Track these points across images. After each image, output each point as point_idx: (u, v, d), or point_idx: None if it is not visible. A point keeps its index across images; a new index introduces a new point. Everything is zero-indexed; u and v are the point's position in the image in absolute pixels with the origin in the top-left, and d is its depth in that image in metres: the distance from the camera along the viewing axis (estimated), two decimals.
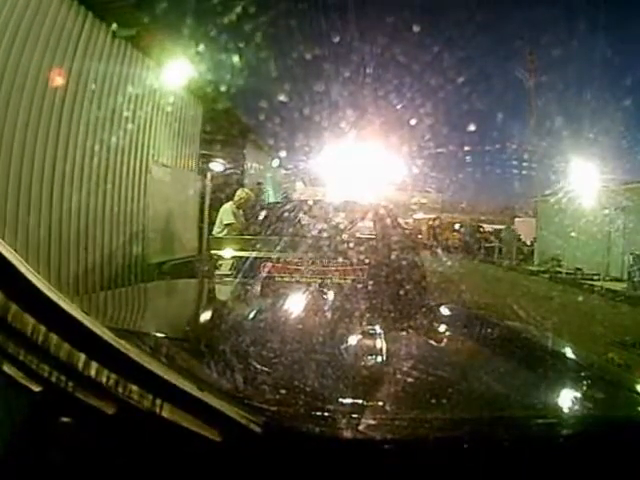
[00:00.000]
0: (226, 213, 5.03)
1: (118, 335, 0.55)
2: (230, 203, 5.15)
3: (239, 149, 9.99)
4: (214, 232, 5.10)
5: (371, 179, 10.44)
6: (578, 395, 0.96)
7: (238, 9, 5.62)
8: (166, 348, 0.95)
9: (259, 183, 9.84)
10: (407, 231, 4.56)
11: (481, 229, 18.11)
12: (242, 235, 4.56)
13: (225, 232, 4.87)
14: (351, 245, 3.70)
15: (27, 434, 0.59)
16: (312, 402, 0.76)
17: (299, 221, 4.38)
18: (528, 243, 16.09)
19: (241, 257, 3.86)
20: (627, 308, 6.75)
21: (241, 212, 5.12)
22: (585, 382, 1.04)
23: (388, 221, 4.35)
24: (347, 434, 0.66)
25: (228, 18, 5.63)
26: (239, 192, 5.29)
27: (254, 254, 3.79)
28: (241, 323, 1.32)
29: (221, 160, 8.69)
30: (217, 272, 3.91)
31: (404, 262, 3.73)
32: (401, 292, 3.20)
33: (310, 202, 4.84)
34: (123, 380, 0.53)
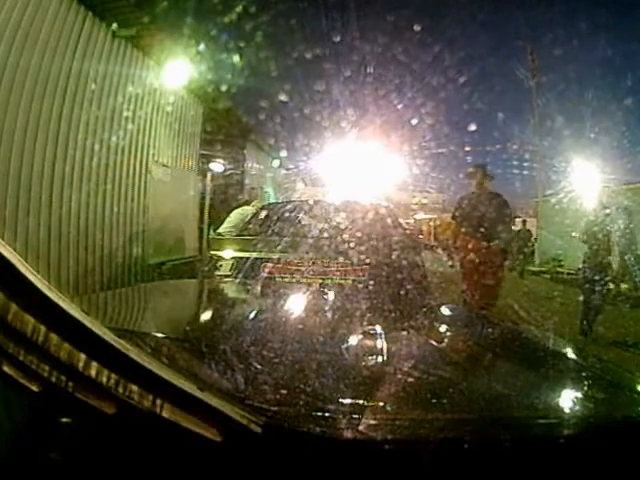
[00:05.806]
0: (242, 214, 5.22)
1: (118, 335, 0.55)
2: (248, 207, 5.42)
3: (239, 149, 9.97)
4: (222, 228, 5.20)
5: (372, 179, 10.41)
6: (578, 395, 0.95)
7: (238, 9, 5.62)
8: (166, 348, 0.95)
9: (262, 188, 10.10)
10: (408, 231, 4.54)
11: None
12: (242, 235, 4.57)
13: (233, 227, 5.00)
14: (352, 245, 3.69)
15: (27, 434, 0.59)
16: (312, 402, 0.75)
17: (299, 221, 4.38)
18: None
19: (241, 257, 3.85)
20: (628, 308, 6.73)
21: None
22: (585, 382, 1.03)
23: (389, 221, 4.34)
24: (347, 434, 0.66)
25: (228, 18, 5.62)
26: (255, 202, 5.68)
27: (254, 254, 3.78)
28: (241, 323, 1.31)
29: (221, 160, 8.68)
30: (217, 272, 3.91)
31: (405, 262, 3.72)
32: (402, 292, 3.20)
33: (311, 202, 4.83)
34: (123, 380, 0.52)
